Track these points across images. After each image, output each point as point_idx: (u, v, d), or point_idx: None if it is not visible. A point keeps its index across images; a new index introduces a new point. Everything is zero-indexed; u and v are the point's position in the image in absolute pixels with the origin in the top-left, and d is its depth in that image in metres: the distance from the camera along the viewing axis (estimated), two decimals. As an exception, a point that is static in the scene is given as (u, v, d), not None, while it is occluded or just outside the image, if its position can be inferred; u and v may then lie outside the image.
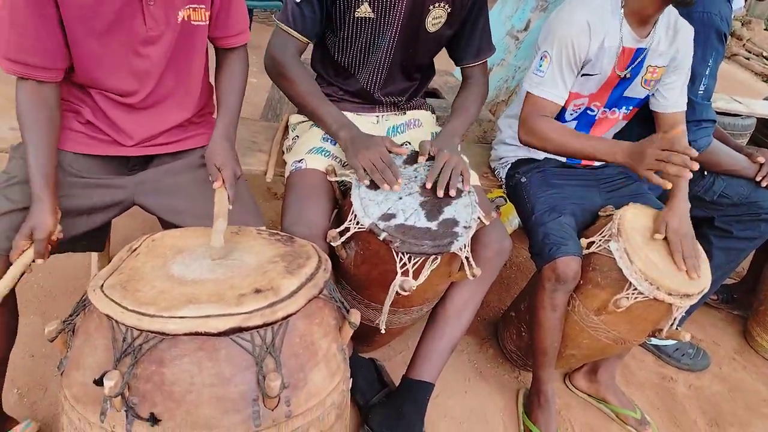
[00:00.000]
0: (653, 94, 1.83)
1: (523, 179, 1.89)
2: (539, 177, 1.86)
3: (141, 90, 1.38)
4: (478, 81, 1.82)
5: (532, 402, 1.81)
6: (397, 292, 1.34)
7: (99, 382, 0.83)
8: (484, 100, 1.83)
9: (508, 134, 1.99)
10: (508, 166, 2.00)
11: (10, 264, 1.19)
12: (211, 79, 1.59)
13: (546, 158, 1.88)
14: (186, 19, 1.36)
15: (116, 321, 0.87)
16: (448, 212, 1.40)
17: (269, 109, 3.01)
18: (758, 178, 1.99)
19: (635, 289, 1.53)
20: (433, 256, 1.33)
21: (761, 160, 2.02)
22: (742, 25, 8.79)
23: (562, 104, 1.71)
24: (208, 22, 1.42)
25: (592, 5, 1.64)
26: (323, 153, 1.63)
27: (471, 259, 1.41)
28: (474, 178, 1.64)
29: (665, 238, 1.61)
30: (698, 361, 2.27)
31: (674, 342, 2.25)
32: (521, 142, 1.75)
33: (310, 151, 1.63)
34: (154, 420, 0.85)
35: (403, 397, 1.63)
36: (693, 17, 1.79)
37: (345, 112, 1.69)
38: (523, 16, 2.96)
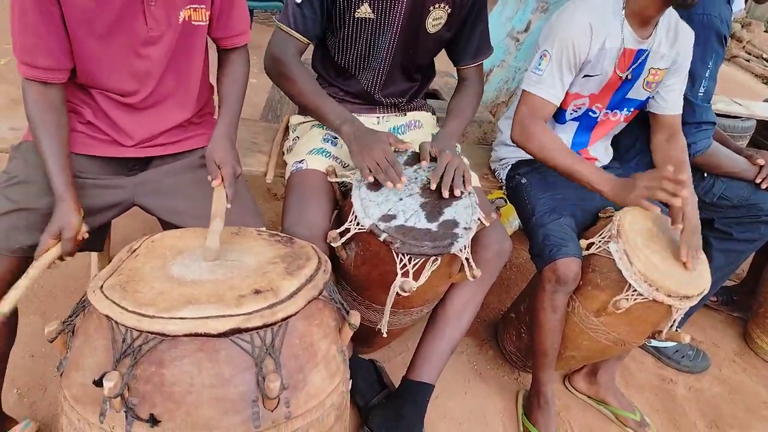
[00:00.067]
0: (652, 96, 1.83)
1: (524, 180, 1.89)
2: (539, 178, 1.86)
3: (141, 90, 1.38)
4: (474, 82, 1.82)
5: (531, 403, 1.81)
6: (397, 293, 1.34)
7: (98, 383, 0.83)
8: (479, 102, 1.83)
9: (509, 136, 1.98)
10: (509, 168, 2.00)
11: (17, 263, 1.21)
12: (212, 79, 1.60)
13: (546, 159, 1.88)
14: (187, 19, 1.36)
15: (116, 322, 0.87)
16: (448, 213, 1.40)
17: (269, 109, 3.01)
18: (758, 180, 1.99)
19: (635, 290, 1.53)
20: (434, 257, 1.33)
21: (761, 162, 2.02)
22: (742, 27, 8.79)
23: (558, 105, 1.71)
24: (208, 23, 1.42)
25: (594, 6, 1.65)
26: (324, 154, 1.63)
27: (471, 260, 1.41)
28: (474, 180, 1.64)
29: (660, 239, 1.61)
30: (698, 363, 2.27)
31: (674, 344, 2.25)
32: (512, 139, 1.75)
33: (311, 151, 1.63)
34: (153, 421, 0.85)
35: (402, 399, 1.63)
36: (693, 19, 1.79)
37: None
38: (523, 17, 2.96)
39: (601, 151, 1.97)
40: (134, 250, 1.09)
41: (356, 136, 1.50)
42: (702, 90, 1.90)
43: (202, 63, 1.50)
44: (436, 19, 1.64)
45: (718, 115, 2.33)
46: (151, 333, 0.85)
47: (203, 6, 1.38)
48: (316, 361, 0.96)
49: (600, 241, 1.63)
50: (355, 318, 1.06)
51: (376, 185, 1.42)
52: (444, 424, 1.80)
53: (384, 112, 1.83)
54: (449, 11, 1.65)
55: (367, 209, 1.35)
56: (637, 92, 1.79)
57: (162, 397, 0.85)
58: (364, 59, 1.69)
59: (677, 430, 2.01)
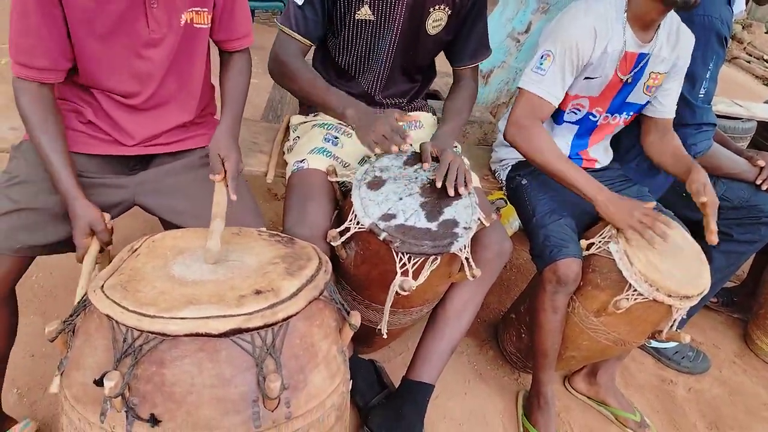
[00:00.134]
0: (650, 101, 1.83)
1: (524, 181, 1.89)
2: (540, 179, 1.86)
3: (143, 92, 1.38)
4: (470, 82, 1.83)
5: (531, 404, 1.81)
6: (396, 292, 1.34)
7: (99, 383, 0.83)
8: (474, 102, 1.83)
9: (509, 136, 1.99)
10: (509, 168, 2.00)
11: (19, 263, 1.22)
12: (213, 80, 1.60)
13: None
14: (189, 22, 1.36)
15: (117, 321, 0.87)
16: (448, 213, 1.40)
17: (270, 110, 3.01)
18: (758, 182, 1.99)
19: (635, 290, 1.53)
20: (433, 257, 1.33)
21: (761, 163, 2.02)
22: (743, 28, 8.79)
23: (556, 106, 1.70)
24: (210, 25, 1.42)
25: (598, 10, 1.64)
26: (325, 153, 1.63)
27: (471, 259, 1.41)
28: (474, 180, 1.64)
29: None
30: (698, 364, 2.27)
31: (674, 345, 2.25)
32: (505, 138, 1.74)
33: (312, 151, 1.63)
34: (154, 421, 0.85)
35: (402, 399, 1.63)
36: (694, 20, 1.79)
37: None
38: (524, 18, 2.96)
39: (601, 152, 1.97)
40: (135, 250, 1.09)
41: (360, 117, 1.50)
42: (702, 91, 1.90)
43: (204, 66, 1.50)
44: (436, 21, 1.64)
45: (718, 116, 2.33)
46: (152, 333, 0.85)
47: (205, 9, 1.38)
48: (316, 361, 0.96)
49: (600, 242, 1.63)
50: (356, 318, 1.06)
51: (376, 185, 1.42)
52: (444, 424, 1.80)
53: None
54: (449, 13, 1.65)
55: (367, 208, 1.35)
56: (637, 96, 1.79)
57: (163, 396, 0.85)
58: (365, 61, 1.69)
59: (677, 431, 2.01)
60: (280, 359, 0.90)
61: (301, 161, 1.61)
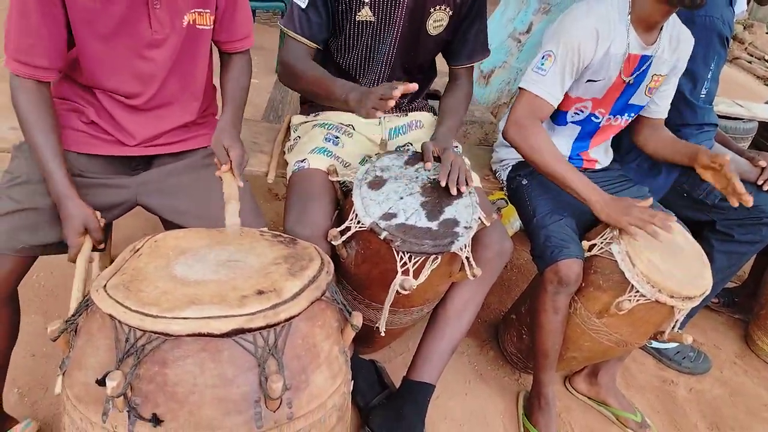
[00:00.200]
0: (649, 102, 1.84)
1: (525, 182, 1.89)
2: (540, 180, 1.86)
3: (145, 92, 1.39)
4: (466, 82, 1.83)
5: (532, 404, 1.81)
6: (397, 291, 1.34)
7: (101, 382, 0.83)
8: (469, 102, 1.84)
9: (510, 137, 1.99)
10: (509, 169, 2.00)
11: (21, 263, 1.22)
12: (214, 81, 1.60)
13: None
14: (191, 23, 1.36)
15: (119, 321, 0.87)
16: (448, 212, 1.40)
17: (271, 110, 3.01)
18: (760, 182, 1.99)
19: (637, 291, 1.53)
20: (434, 256, 1.33)
21: (763, 164, 2.02)
22: (744, 28, 8.78)
23: (555, 106, 1.70)
24: (212, 26, 1.42)
25: (601, 12, 1.64)
26: (325, 153, 1.63)
27: (471, 259, 1.41)
28: (475, 180, 1.64)
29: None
30: (699, 364, 2.27)
31: (675, 345, 2.25)
32: (503, 136, 1.74)
33: (313, 151, 1.64)
34: (156, 421, 0.85)
35: (403, 399, 1.63)
36: (695, 21, 1.79)
37: (347, 114, 1.69)
38: (525, 18, 2.96)
39: (602, 152, 1.97)
40: (137, 250, 1.09)
41: (361, 95, 1.44)
42: (704, 92, 1.90)
43: (207, 66, 1.50)
44: (437, 21, 1.64)
45: (719, 116, 2.34)
46: (155, 333, 0.85)
47: (207, 10, 1.38)
48: (318, 361, 0.97)
49: (602, 243, 1.63)
50: (357, 319, 1.06)
51: (377, 184, 1.42)
52: (444, 424, 1.80)
53: (385, 113, 1.83)
54: (450, 13, 1.65)
55: (368, 208, 1.36)
56: (638, 98, 1.79)
57: (165, 396, 0.85)
58: (366, 61, 1.69)
59: (678, 431, 2.01)
60: (282, 360, 0.90)
61: (302, 161, 1.61)
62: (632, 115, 1.86)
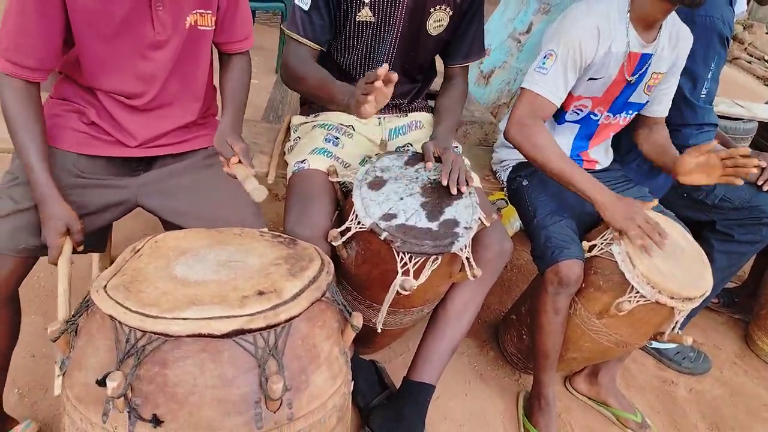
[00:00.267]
0: (649, 101, 1.84)
1: (525, 182, 1.89)
2: (540, 180, 1.86)
3: (146, 93, 1.39)
4: (461, 81, 1.83)
5: (532, 405, 1.81)
6: (397, 291, 1.34)
7: (102, 383, 0.83)
8: (465, 101, 1.83)
9: (510, 137, 1.99)
10: (510, 169, 2.00)
11: (22, 263, 1.22)
12: (215, 82, 1.60)
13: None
14: (193, 24, 1.37)
15: (119, 322, 0.87)
16: (449, 213, 1.41)
17: (271, 110, 3.01)
18: (760, 182, 1.99)
19: (637, 292, 1.53)
20: (434, 257, 1.33)
21: (763, 164, 2.01)
22: (744, 28, 8.78)
23: (558, 106, 1.70)
24: (213, 27, 1.42)
25: (601, 11, 1.64)
26: (326, 153, 1.63)
27: (472, 259, 1.41)
28: (475, 180, 1.64)
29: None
30: (699, 364, 2.27)
31: (675, 345, 2.25)
32: (505, 137, 1.74)
33: (313, 151, 1.64)
34: (156, 421, 0.85)
35: (403, 399, 1.63)
36: (695, 21, 1.79)
37: (347, 114, 1.69)
38: (525, 18, 2.96)
39: (602, 153, 1.97)
40: (138, 251, 1.09)
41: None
42: (704, 92, 1.90)
43: (208, 67, 1.50)
44: (437, 21, 1.64)
45: (719, 117, 2.34)
46: (155, 333, 0.85)
47: (209, 11, 1.38)
48: (318, 362, 0.97)
49: (602, 243, 1.63)
50: (358, 320, 1.06)
51: (377, 185, 1.42)
52: (445, 425, 1.80)
53: (385, 113, 1.83)
54: (451, 13, 1.65)
55: (368, 208, 1.36)
56: (638, 96, 1.79)
57: (165, 397, 0.85)
58: (366, 62, 1.69)
59: (678, 431, 2.01)
60: (282, 360, 0.90)
61: (302, 162, 1.61)
62: (631, 113, 1.86)
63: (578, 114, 1.83)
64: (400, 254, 1.31)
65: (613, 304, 1.56)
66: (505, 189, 2.05)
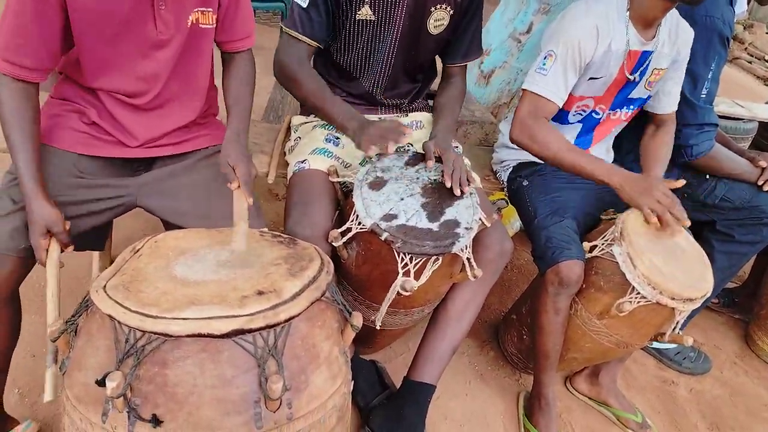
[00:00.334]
0: (651, 96, 1.83)
1: (525, 182, 1.89)
2: (541, 180, 1.86)
3: (148, 92, 1.39)
4: (460, 80, 1.84)
5: (532, 405, 1.81)
6: (398, 292, 1.34)
7: (101, 383, 0.83)
8: (463, 100, 1.84)
9: (510, 137, 1.99)
10: (510, 170, 2.00)
11: (23, 263, 1.21)
12: (217, 82, 1.59)
13: (548, 161, 1.88)
14: (195, 22, 1.36)
15: (119, 322, 0.87)
16: (449, 213, 1.40)
17: (271, 110, 3.01)
18: (760, 182, 1.99)
19: (638, 293, 1.53)
20: (435, 257, 1.33)
21: (763, 164, 2.01)
22: (745, 28, 8.78)
23: (561, 105, 1.70)
24: (215, 26, 1.42)
25: (599, 10, 1.64)
26: (326, 154, 1.63)
27: (472, 260, 1.41)
28: (476, 181, 1.64)
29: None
30: (699, 364, 2.27)
31: (675, 346, 2.25)
32: (511, 140, 1.74)
33: (313, 151, 1.64)
34: (156, 421, 0.85)
35: (404, 399, 1.63)
36: (696, 20, 1.79)
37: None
38: (525, 18, 2.96)
39: (603, 152, 1.97)
40: (137, 250, 1.09)
41: (361, 126, 1.50)
42: (704, 92, 1.90)
43: (209, 66, 1.50)
44: (438, 20, 1.64)
45: (720, 116, 2.33)
46: (154, 333, 0.85)
47: (210, 9, 1.38)
48: (318, 362, 0.97)
49: (603, 244, 1.63)
50: (358, 319, 1.06)
51: (377, 185, 1.42)
52: (445, 425, 1.80)
53: (386, 113, 1.83)
54: (451, 12, 1.65)
55: (369, 209, 1.36)
56: (639, 92, 1.80)
57: (164, 397, 0.85)
58: (366, 61, 1.69)
59: (678, 431, 2.01)
60: (281, 360, 0.90)
61: (303, 162, 1.61)
62: (632, 107, 1.86)
63: (581, 114, 1.83)
64: (401, 255, 1.31)
65: (614, 304, 1.56)
66: (505, 189, 2.05)
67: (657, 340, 1.66)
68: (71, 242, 1.26)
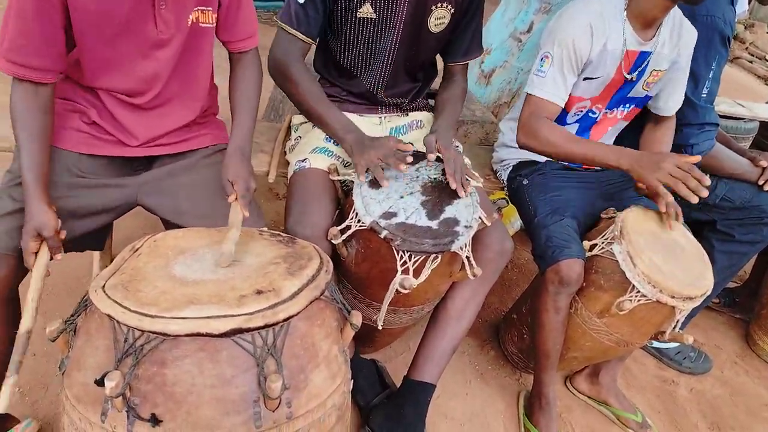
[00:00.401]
0: (652, 97, 1.83)
1: (525, 182, 1.89)
2: (541, 179, 1.86)
3: (149, 92, 1.39)
4: (461, 79, 1.84)
5: (533, 404, 1.81)
6: (397, 290, 1.34)
7: (100, 383, 0.83)
8: (464, 99, 1.84)
9: (510, 137, 1.98)
10: (510, 169, 2.00)
11: (22, 265, 1.20)
12: (216, 80, 1.59)
13: (547, 161, 1.88)
14: (195, 21, 1.36)
15: (118, 321, 0.87)
16: (449, 212, 1.40)
17: (271, 109, 3.01)
18: (761, 182, 1.99)
19: (638, 291, 1.53)
20: (434, 255, 1.33)
21: (764, 163, 2.01)
22: (746, 28, 8.77)
23: (563, 106, 1.70)
24: (215, 25, 1.42)
25: (594, 8, 1.64)
26: (326, 153, 1.63)
27: (472, 258, 1.41)
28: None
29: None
30: (700, 364, 2.27)
31: (676, 345, 2.25)
32: (519, 146, 1.75)
33: (314, 150, 1.64)
34: (155, 421, 0.85)
35: (404, 398, 1.63)
36: (696, 20, 1.79)
37: (348, 113, 1.69)
38: (526, 18, 2.96)
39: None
40: (137, 250, 1.09)
41: (358, 142, 1.50)
42: (705, 91, 1.89)
43: (209, 65, 1.50)
44: (438, 19, 1.64)
45: (720, 116, 2.33)
46: (153, 333, 0.85)
47: (209, 8, 1.38)
48: (317, 361, 0.96)
49: (603, 243, 1.63)
50: (357, 318, 1.06)
51: (377, 183, 1.42)
52: (445, 424, 1.80)
53: (386, 112, 1.83)
54: (452, 10, 1.65)
55: (368, 207, 1.36)
56: (636, 92, 1.80)
57: (163, 396, 0.85)
58: (367, 59, 1.69)
59: (678, 431, 2.01)
60: (280, 359, 0.90)
61: (303, 161, 1.61)
62: (629, 106, 1.86)
63: (578, 114, 1.83)
64: (400, 253, 1.31)
65: (614, 303, 1.56)
66: (505, 188, 2.05)
67: (657, 339, 1.66)
68: (59, 251, 1.24)
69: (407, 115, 1.87)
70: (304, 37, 1.59)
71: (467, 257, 1.40)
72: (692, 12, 1.78)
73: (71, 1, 1.20)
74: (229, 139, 1.46)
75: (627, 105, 1.85)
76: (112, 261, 1.07)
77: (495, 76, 3.09)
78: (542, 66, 1.68)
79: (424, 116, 1.89)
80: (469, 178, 1.48)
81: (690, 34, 1.75)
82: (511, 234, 2.25)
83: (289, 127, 1.97)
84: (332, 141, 1.67)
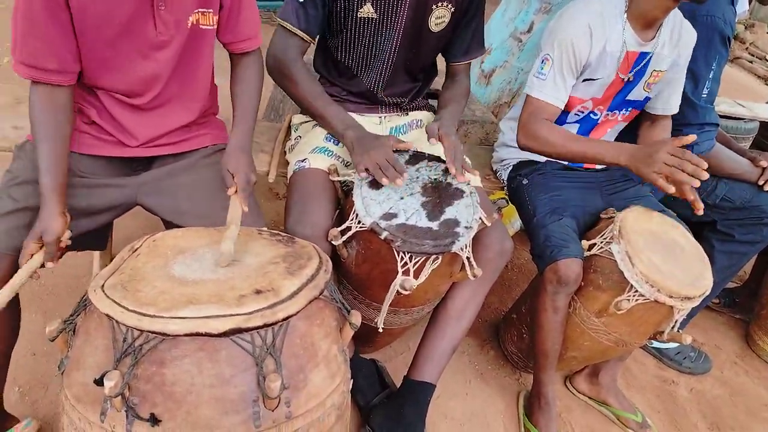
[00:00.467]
0: (650, 98, 1.83)
1: (525, 181, 1.89)
2: (541, 179, 1.86)
3: (148, 92, 1.39)
4: (464, 78, 1.84)
5: (532, 404, 1.81)
6: (397, 291, 1.34)
7: (99, 382, 0.83)
8: (467, 98, 1.84)
9: (510, 137, 1.99)
10: (510, 169, 2.00)
11: (19, 266, 1.19)
12: (216, 80, 1.59)
13: (547, 161, 1.88)
14: (195, 23, 1.36)
15: (117, 321, 0.87)
16: (449, 212, 1.40)
17: (271, 109, 3.01)
18: (761, 182, 1.99)
19: (636, 291, 1.53)
20: (434, 256, 1.33)
21: (764, 164, 2.01)
22: (746, 28, 8.76)
23: (562, 108, 1.70)
24: (215, 26, 1.42)
25: (594, 9, 1.64)
26: (326, 153, 1.63)
27: (472, 259, 1.41)
28: (476, 180, 1.64)
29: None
30: (699, 364, 2.26)
31: (676, 345, 2.25)
32: (520, 147, 1.75)
33: (314, 150, 1.64)
34: (154, 420, 0.85)
35: (404, 398, 1.63)
36: (697, 20, 1.79)
37: (348, 113, 1.69)
38: (526, 18, 2.96)
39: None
40: (136, 250, 1.09)
41: (359, 140, 1.51)
42: (705, 91, 1.89)
43: (209, 66, 1.50)
44: (439, 18, 1.64)
45: (721, 116, 2.33)
46: (152, 332, 0.85)
47: (210, 10, 1.38)
48: (316, 360, 0.96)
49: (601, 242, 1.63)
50: (356, 318, 1.06)
51: (377, 184, 1.42)
52: (445, 424, 1.80)
53: (386, 112, 1.83)
54: (452, 10, 1.65)
55: (369, 207, 1.36)
56: (637, 93, 1.79)
57: (163, 396, 0.85)
58: (367, 59, 1.69)
59: (678, 431, 2.01)
60: (280, 359, 0.90)
61: (303, 161, 1.61)
62: (629, 109, 1.86)
63: (579, 115, 1.83)
64: (401, 254, 1.31)
65: (613, 302, 1.56)
66: (505, 188, 2.05)
67: (656, 339, 1.66)
68: (56, 260, 1.23)
69: (407, 114, 1.87)
70: (304, 35, 1.59)
71: (468, 258, 1.40)
72: (692, 12, 1.78)
73: (72, 1, 1.21)
74: (229, 138, 1.46)
75: (629, 108, 1.85)
76: (111, 261, 1.07)
77: (495, 76, 3.09)
78: (543, 68, 1.68)
79: (424, 116, 1.89)
80: (467, 171, 1.49)
81: (690, 35, 1.75)
82: (511, 234, 2.25)
83: (289, 127, 1.97)
84: (332, 141, 1.67)
